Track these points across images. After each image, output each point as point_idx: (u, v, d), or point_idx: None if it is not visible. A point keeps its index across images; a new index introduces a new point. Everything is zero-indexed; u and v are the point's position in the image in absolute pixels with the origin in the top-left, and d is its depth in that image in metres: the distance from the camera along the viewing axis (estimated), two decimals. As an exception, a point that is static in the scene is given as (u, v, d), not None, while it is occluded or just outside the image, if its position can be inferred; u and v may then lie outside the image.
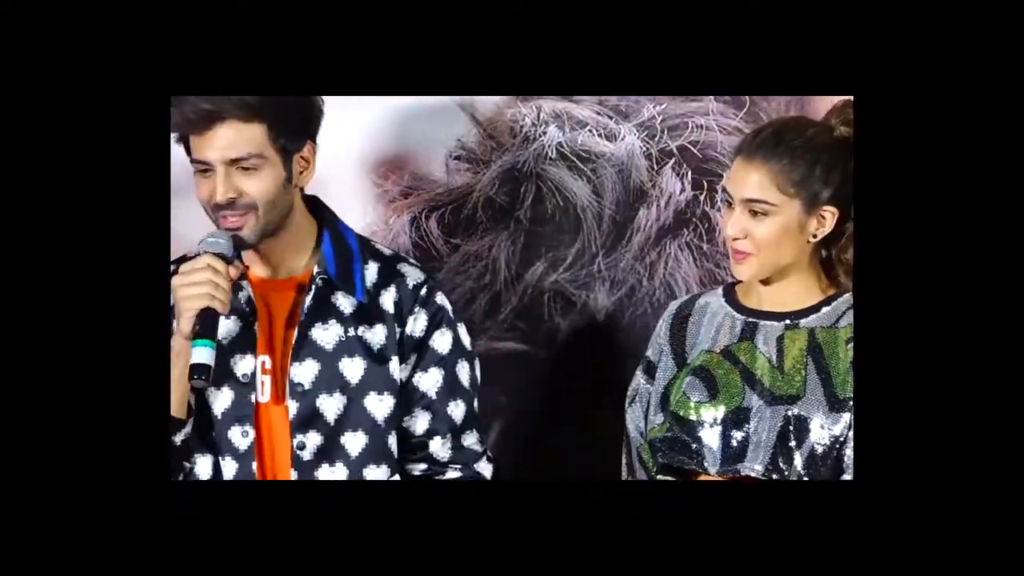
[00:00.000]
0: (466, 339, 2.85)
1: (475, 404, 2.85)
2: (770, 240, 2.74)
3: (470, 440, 2.84)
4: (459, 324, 2.85)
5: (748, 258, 2.76)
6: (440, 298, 2.82)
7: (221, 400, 2.74)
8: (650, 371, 2.88)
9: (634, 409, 2.90)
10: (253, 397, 2.73)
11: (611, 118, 3.33)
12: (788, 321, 2.80)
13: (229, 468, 2.73)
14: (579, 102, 3.31)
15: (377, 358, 2.76)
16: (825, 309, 2.81)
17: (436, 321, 2.80)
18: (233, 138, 2.66)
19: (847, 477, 2.73)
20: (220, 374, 2.71)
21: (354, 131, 3.26)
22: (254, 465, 2.72)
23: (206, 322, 2.60)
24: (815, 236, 2.77)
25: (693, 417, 2.78)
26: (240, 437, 2.72)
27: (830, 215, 2.76)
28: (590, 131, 3.32)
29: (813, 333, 2.79)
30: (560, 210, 3.33)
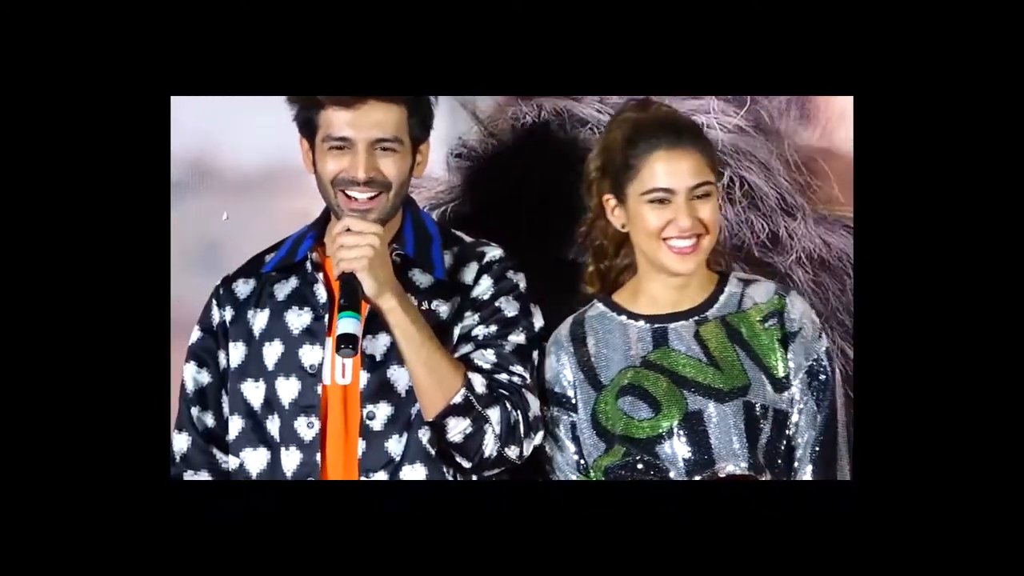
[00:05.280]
0: (539, 320, 2.79)
1: (531, 369, 2.74)
2: (715, 220, 2.73)
3: (517, 368, 2.72)
4: (534, 305, 2.80)
5: (697, 248, 2.71)
6: (513, 274, 2.78)
7: (288, 391, 2.73)
8: (563, 403, 2.78)
9: (562, 448, 2.77)
10: (319, 388, 2.71)
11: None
12: (696, 317, 2.76)
13: (292, 458, 2.71)
14: (580, 100, 3.31)
15: (444, 330, 2.71)
16: (722, 298, 2.77)
17: (503, 290, 2.76)
18: (381, 118, 2.67)
19: (805, 475, 2.70)
20: (289, 365, 2.71)
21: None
22: (318, 456, 2.69)
23: (350, 293, 2.58)
24: None
25: (646, 435, 2.71)
26: (306, 428, 2.70)
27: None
28: (591, 129, 3.31)
29: (726, 321, 2.76)
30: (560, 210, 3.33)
